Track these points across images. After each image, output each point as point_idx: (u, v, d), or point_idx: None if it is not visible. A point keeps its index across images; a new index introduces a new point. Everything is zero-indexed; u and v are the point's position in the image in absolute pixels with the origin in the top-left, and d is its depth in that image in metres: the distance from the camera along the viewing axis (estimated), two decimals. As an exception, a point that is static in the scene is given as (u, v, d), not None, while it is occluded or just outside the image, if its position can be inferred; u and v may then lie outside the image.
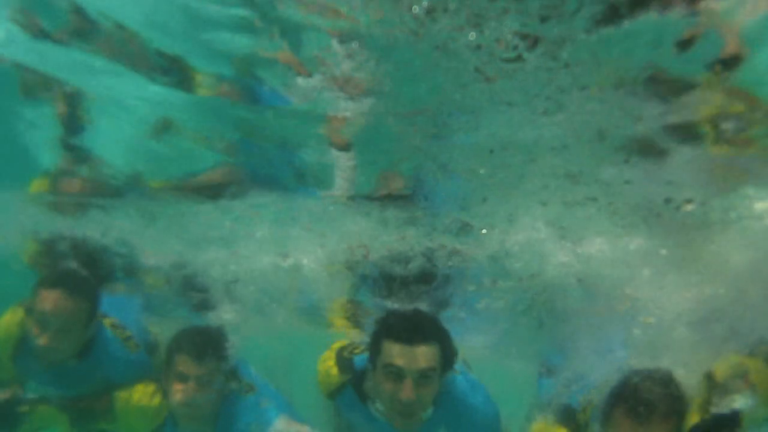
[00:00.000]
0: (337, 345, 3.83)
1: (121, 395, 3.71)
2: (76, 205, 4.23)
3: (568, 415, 3.30)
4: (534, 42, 2.16)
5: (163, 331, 4.57)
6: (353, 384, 3.47)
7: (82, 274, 3.80)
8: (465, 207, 3.53)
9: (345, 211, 3.76)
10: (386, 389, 3.08)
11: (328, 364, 3.64)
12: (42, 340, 3.45)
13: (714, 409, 2.81)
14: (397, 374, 3.03)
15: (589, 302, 3.84)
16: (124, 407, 3.69)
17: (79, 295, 3.55)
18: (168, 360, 3.51)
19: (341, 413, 3.67)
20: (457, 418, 3.41)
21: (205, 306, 5.04)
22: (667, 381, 2.84)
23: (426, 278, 3.92)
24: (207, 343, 3.54)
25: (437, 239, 3.73)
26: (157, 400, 3.65)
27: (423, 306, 3.64)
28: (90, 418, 3.71)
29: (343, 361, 3.59)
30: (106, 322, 3.82)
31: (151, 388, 3.70)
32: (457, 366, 3.60)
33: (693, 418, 2.81)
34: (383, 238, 3.75)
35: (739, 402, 2.83)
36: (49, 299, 3.47)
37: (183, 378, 3.41)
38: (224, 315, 4.31)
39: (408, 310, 3.38)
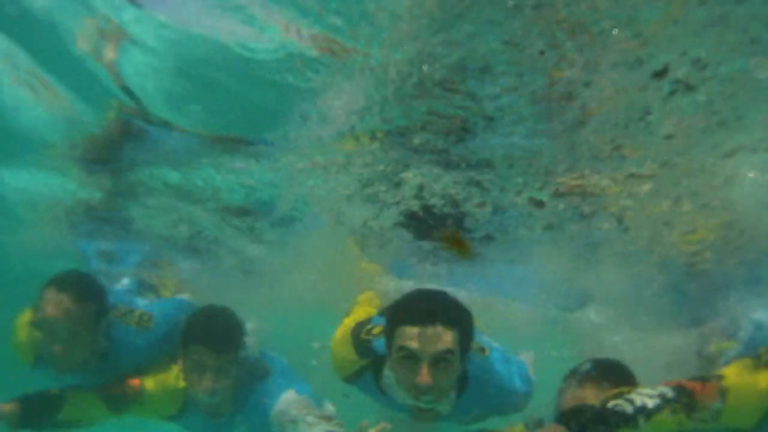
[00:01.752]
0: (350, 321, 3.65)
1: (150, 378, 3.72)
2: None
3: None
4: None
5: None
6: (374, 370, 3.31)
7: (87, 275, 3.69)
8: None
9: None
10: (402, 374, 2.94)
11: (344, 346, 3.46)
12: (54, 350, 3.41)
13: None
14: (411, 358, 2.89)
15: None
16: (153, 390, 3.71)
17: (85, 297, 3.47)
18: (184, 347, 3.45)
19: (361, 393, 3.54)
20: (488, 399, 3.31)
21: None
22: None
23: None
24: (223, 332, 3.46)
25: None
26: (182, 381, 3.64)
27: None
28: (123, 402, 3.73)
29: (362, 343, 3.39)
30: (114, 313, 3.75)
31: (177, 368, 3.67)
32: (488, 344, 3.47)
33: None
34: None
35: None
36: (55, 305, 3.39)
37: (200, 368, 3.37)
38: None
39: (424, 291, 3.17)
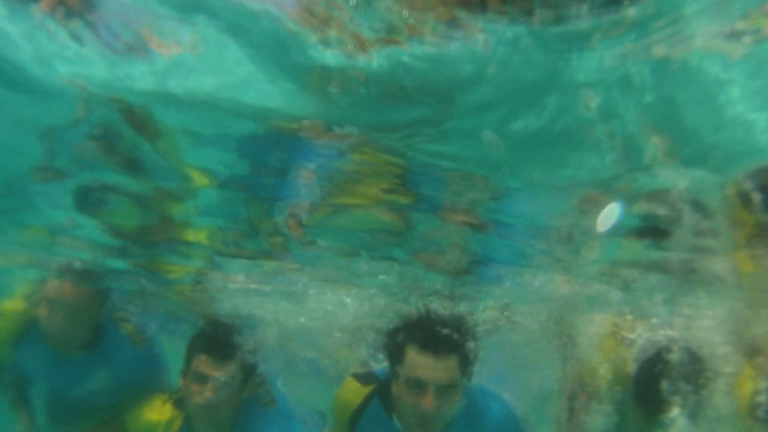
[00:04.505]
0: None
1: (132, 415, 3.60)
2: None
3: None
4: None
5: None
6: (380, 394, 3.24)
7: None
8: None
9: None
10: (408, 400, 2.95)
11: (347, 384, 3.43)
12: (52, 322, 3.43)
13: None
14: (420, 386, 2.92)
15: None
16: (135, 425, 3.57)
17: (88, 284, 3.53)
18: (187, 359, 3.34)
19: None
20: (476, 426, 3.24)
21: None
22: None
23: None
24: (227, 343, 3.35)
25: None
26: (167, 412, 3.49)
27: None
28: None
29: (363, 374, 3.42)
30: (126, 327, 3.79)
31: (159, 401, 3.56)
32: None
33: None
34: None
35: None
36: (58, 287, 3.45)
37: (202, 379, 3.24)
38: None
39: (434, 317, 3.08)
